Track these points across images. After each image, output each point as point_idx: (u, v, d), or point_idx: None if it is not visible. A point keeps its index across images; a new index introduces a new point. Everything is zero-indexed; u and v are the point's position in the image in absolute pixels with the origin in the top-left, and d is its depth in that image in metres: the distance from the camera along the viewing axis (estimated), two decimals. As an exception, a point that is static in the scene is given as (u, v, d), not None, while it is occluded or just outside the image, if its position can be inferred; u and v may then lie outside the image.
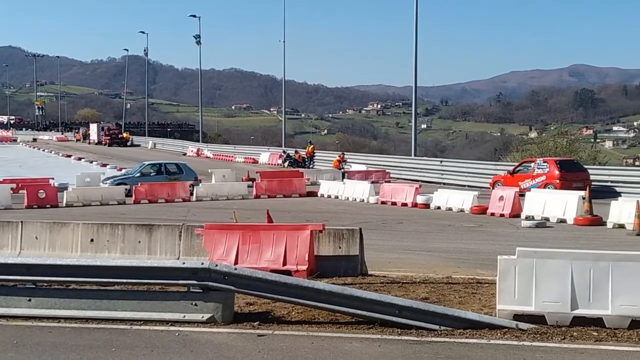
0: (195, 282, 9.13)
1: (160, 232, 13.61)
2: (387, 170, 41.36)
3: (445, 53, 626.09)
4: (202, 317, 9.06)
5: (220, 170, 40.76)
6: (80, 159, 62.10)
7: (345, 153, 50.97)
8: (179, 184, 31.99)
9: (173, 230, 13.59)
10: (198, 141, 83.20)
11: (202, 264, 9.26)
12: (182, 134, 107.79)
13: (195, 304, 9.11)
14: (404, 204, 27.54)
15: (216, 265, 9.22)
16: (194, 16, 78.74)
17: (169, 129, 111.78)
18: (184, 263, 9.55)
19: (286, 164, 51.54)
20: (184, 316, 9.09)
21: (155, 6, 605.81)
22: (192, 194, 31.48)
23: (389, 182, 36.09)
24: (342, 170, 43.73)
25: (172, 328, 8.92)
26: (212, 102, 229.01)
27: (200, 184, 32.92)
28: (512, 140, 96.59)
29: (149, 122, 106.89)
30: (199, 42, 79.93)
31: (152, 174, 34.07)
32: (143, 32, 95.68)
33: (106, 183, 33.93)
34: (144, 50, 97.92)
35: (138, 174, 34.13)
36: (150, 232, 13.65)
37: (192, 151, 71.71)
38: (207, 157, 66.69)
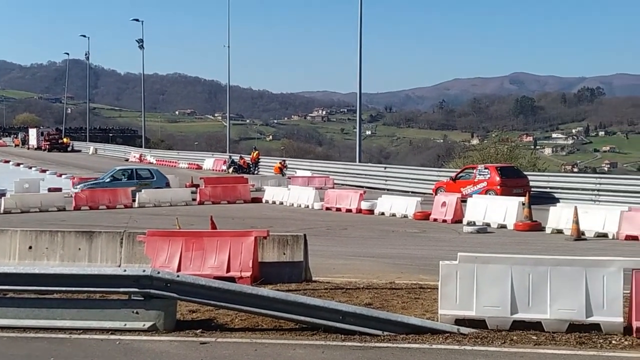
0: (136, 289, 9.00)
1: (101, 239, 13.37)
2: (330, 177, 41.52)
3: (389, 60, 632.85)
4: (144, 325, 8.93)
5: (163, 177, 40.26)
6: (19, 164, 60.66)
7: (286, 159, 51.18)
8: (120, 191, 31.52)
9: (114, 237, 13.37)
10: (141, 146, 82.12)
11: (144, 271, 9.13)
12: (125, 139, 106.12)
13: (137, 312, 8.97)
14: (349, 210, 27.69)
15: (158, 273, 9.10)
16: (137, 20, 77.91)
17: (111, 134, 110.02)
18: (125, 270, 9.40)
19: (231, 169, 51.28)
20: (125, 324, 8.95)
21: (97, 10, 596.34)
22: (134, 200, 31.06)
23: (333, 188, 36.22)
24: (285, 176, 43.87)
25: (112, 337, 8.77)
26: (155, 107, 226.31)
27: (143, 190, 32.48)
28: (455, 146, 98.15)
29: (91, 127, 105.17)
30: (141, 47, 78.91)
31: (123, 180, 33.60)
32: (84, 36, 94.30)
33: (77, 188, 33.29)
34: (86, 54, 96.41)
35: (109, 179, 33.69)
36: (91, 239, 13.40)
37: (134, 157, 70.76)
38: (150, 162, 65.75)
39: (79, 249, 13.36)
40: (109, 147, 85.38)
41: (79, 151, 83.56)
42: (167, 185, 34.10)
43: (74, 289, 9.27)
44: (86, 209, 29.36)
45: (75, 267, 12.11)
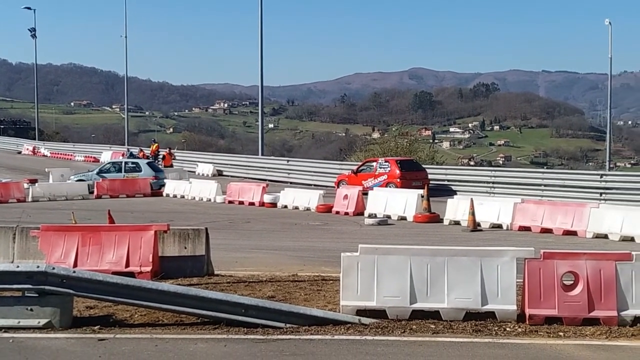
0: (30, 286, 8.69)
1: (-8, 235, 12.83)
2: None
3: (291, 53, 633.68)
4: (39, 322, 8.64)
5: (58, 169, 39.10)
6: None
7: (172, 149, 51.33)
8: (12, 184, 30.37)
9: (6, 232, 12.87)
10: (34, 139, 79.24)
11: (38, 267, 8.82)
12: (17, 131, 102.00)
13: (31, 309, 8.66)
14: (252, 203, 27.62)
15: (53, 268, 8.81)
16: (29, 8, 74.73)
17: (2, 126, 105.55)
18: (18, 266, 9.05)
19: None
20: (19, 322, 8.63)
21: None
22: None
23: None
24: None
25: (5, 335, 8.44)
26: (49, 99, 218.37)
27: (37, 184, 31.37)
28: (356, 140, 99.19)
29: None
30: (34, 36, 75.84)
31: (111, 171, 34.26)
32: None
33: (69, 180, 33.94)
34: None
35: (97, 171, 34.44)
36: (-19, 235, 12.84)
37: (27, 149, 68.31)
38: (44, 155, 63.77)
39: (-31, 245, 12.79)
40: (0, 139, 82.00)
41: (-32, 144, 79.97)
42: (156, 178, 33.88)
43: (-38, 286, 8.86)
44: (-24, 204, 28.13)
45: (-36, 264, 11.57)
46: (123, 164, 35.38)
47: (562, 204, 20.64)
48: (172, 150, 49.75)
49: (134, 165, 35.01)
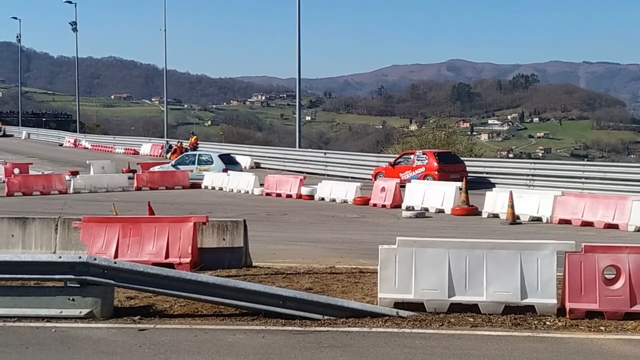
0: (72, 276, 8.83)
1: (35, 226, 13.06)
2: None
3: (328, 46, 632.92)
4: (80, 312, 8.78)
5: (99, 162, 39.64)
6: (-53, 149, 58.78)
7: (182, 142, 51.35)
8: (55, 176, 30.86)
9: (49, 223, 13.08)
10: (75, 131, 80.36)
11: (80, 257, 8.96)
12: (59, 124, 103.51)
13: (73, 299, 8.81)
14: (289, 196, 27.69)
15: (95, 259, 8.94)
16: (70, 2, 75.79)
17: (44, 119, 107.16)
18: (60, 257, 9.20)
19: (169, 155, 50.64)
20: (61, 312, 8.78)
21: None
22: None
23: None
24: None
25: (48, 324, 8.59)
26: (90, 92, 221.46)
27: (78, 176, 31.84)
28: (394, 132, 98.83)
29: (23, 111, 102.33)
30: (75, 29, 76.91)
31: (187, 164, 34.97)
32: (16, 18, 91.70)
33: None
34: (17, 37, 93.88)
35: (174, 163, 35.57)
36: (25, 226, 13.08)
37: (69, 142, 69.26)
38: (85, 147, 64.61)
39: (12, 235, 13.03)
40: (42, 131, 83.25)
41: (11, 136, 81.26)
42: (225, 171, 33.86)
43: (7, 276, 9.04)
44: (19, 195, 28.64)
45: (9, 254, 11.81)
46: (197, 156, 35.94)
47: (603, 196, 20.31)
48: (184, 144, 49.79)
49: (207, 158, 35.44)
